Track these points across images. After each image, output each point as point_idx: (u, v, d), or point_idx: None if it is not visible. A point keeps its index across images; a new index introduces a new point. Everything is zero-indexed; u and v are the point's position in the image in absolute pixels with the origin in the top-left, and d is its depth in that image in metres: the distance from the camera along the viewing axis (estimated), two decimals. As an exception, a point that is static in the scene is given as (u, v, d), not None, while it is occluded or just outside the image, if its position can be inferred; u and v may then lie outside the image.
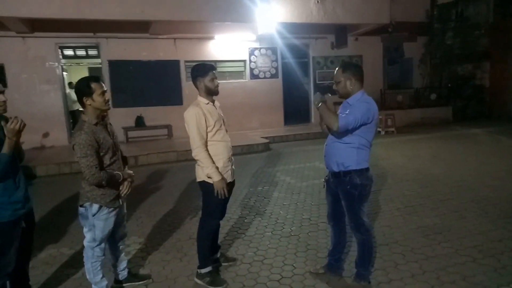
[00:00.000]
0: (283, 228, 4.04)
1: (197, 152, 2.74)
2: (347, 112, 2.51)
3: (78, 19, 8.35)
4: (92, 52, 10.24)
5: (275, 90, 11.70)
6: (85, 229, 2.55)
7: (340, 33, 11.35)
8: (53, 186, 6.29)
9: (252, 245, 3.65)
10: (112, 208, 2.53)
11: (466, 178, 5.65)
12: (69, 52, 10.16)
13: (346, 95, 2.65)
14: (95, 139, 2.38)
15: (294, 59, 11.79)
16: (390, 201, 4.72)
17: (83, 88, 2.43)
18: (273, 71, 11.72)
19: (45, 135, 9.37)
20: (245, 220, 4.30)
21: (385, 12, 10.49)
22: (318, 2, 9.76)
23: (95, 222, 2.49)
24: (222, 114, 2.98)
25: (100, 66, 10.17)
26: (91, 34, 9.66)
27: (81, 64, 11.80)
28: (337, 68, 2.69)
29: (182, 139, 2.99)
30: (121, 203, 2.62)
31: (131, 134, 9.91)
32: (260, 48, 11.48)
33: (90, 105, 2.43)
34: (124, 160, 2.75)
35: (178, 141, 9.35)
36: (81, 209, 2.51)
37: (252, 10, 9.18)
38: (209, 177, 2.75)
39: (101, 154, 2.45)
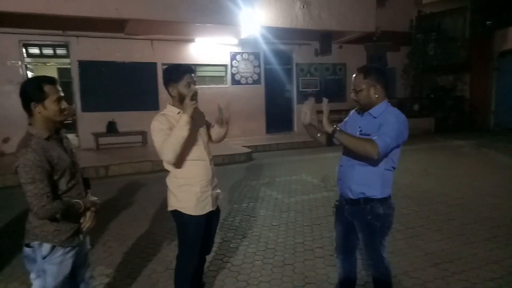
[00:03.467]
0: (275, 255, 3.54)
1: (160, 144, 2.17)
2: (378, 133, 2.00)
3: (45, 15, 7.62)
4: (60, 51, 9.47)
5: (257, 96, 11.26)
6: (32, 275, 1.93)
7: (325, 40, 11.06)
8: (11, 200, 5.45)
9: (240, 277, 3.13)
10: (69, 248, 1.94)
11: (462, 195, 5.34)
12: (34, 50, 9.33)
13: (368, 106, 2.15)
14: (46, 158, 1.79)
15: (277, 65, 11.40)
16: (388, 222, 4.31)
17: (32, 90, 1.84)
18: (256, 77, 11.27)
19: (5, 140, 8.51)
20: (231, 245, 3.77)
21: (371, 20, 10.28)
22: (303, 7, 9.41)
23: (45, 266, 1.88)
24: (206, 123, 2.47)
25: (69, 66, 9.40)
26: (60, 32, 8.91)
27: (48, 64, 10.94)
28: (356, 73, 2.18)
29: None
30: (81, 239, 2.03)
31: (102, 140, 9.17)
32: (243, 53, 11.02)
33: (40, 113, 1.85)
34: (86, 182, 2.15)
35: (153, 149, 8.63)
36: (27, 250, 1.90)
37: (235, 12, 8.72)
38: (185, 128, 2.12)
39: (55, 177, 1.86)
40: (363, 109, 2.19)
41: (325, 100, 2.07)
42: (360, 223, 2.21)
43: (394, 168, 2.17)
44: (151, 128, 2.26)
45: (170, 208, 2.40)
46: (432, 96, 12.96)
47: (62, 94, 1.92)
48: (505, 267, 3.22)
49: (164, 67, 9.83)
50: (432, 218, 4.47)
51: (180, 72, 2.26)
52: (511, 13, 12.26)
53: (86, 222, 2.01)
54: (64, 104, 1.92)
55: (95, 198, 2.12)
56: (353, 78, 2.20)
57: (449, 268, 3.21)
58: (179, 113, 2.28)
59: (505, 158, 8.08)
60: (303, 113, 2.22)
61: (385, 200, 2.16)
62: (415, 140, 10.71)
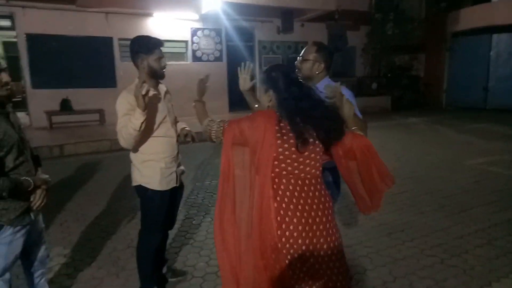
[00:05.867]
0: (237, 230, 3.59)
1: (119, 130, 2.11)
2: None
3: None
4: (4, 23, 8.76)
5: (219, 74, 11.08)
6: None
7: (287, 17, 11.00)
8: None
9: (203, 252, 3.16)
10: (19, 227, 1.86)
11: (415, 169, 5.66)
12: (-26, 21, 8.59)
13: (308, 79, 2.26)
14: None
15: (239, 42, 11.24)
16: (346, 196, 4.46)
17: None
18: (217, 54, 11.08)
19: None
20: (193, 222, 3.78)
21: (332, -2, 10.33)
22: (266, -18, 9.27)
23: None
24: (170, 102, 2.41)
25: (15, 40, 8.74)
26: (3, 1, 8.21)
27: (-9, 37, 10.14)
28: (309, 45, 2.28)
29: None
30: (33, 217, 1.95)
31: (56, 119, 8.71)
32: (204, 29, 10.75)
33: None
34: (36, 160, 2.05)
35: (112, 128, 8.36)
36: None
37: (196, -15, 8.44)
38: (137, 123, 2.02)
39: (1, 154, 1.76)
40: (303, 79, 2.26)
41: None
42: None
43: None
44: (117, 105, 2.18)
45: (134, 183, 2.36)
46: (389, 75, 13.40)
47: (3, 66, 1.79)
48: (450, 233, 3.48)
49: (121, 42, 9.43)
50: (387, 191, 4.69)
51: (151, 45, 2.21)
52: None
53: (37, 200, 1.92)
54: (5, 78, 1.79)
55: (46, 176, 2.03)
56: (306, 47, 2.27)
57: (401, 237, 3.43)
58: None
59: (455, 134, 8.60)
60: (242, 78, 2.20)
61: (334, 169, 2.24)
62: (373, 117, 11.10)
